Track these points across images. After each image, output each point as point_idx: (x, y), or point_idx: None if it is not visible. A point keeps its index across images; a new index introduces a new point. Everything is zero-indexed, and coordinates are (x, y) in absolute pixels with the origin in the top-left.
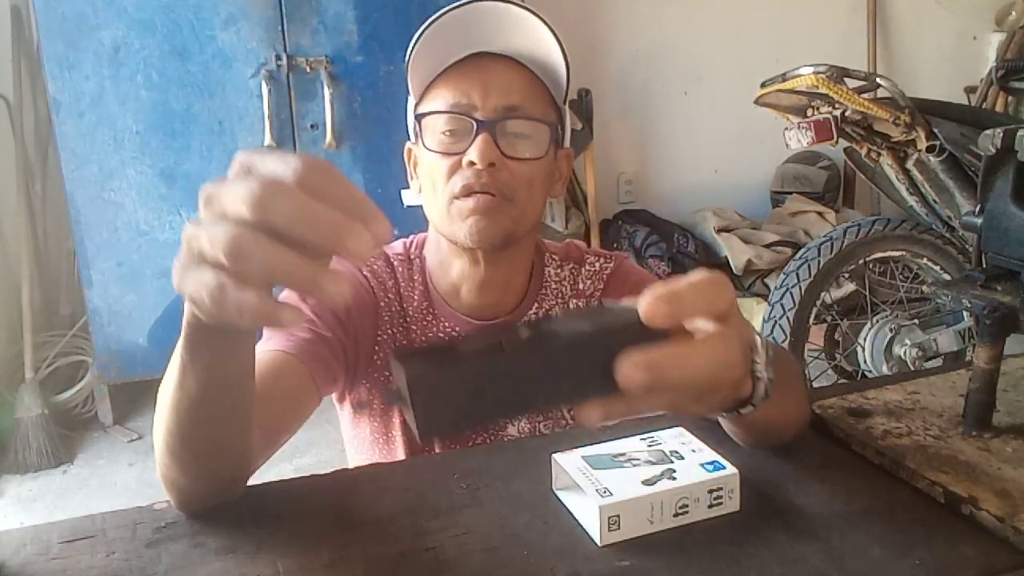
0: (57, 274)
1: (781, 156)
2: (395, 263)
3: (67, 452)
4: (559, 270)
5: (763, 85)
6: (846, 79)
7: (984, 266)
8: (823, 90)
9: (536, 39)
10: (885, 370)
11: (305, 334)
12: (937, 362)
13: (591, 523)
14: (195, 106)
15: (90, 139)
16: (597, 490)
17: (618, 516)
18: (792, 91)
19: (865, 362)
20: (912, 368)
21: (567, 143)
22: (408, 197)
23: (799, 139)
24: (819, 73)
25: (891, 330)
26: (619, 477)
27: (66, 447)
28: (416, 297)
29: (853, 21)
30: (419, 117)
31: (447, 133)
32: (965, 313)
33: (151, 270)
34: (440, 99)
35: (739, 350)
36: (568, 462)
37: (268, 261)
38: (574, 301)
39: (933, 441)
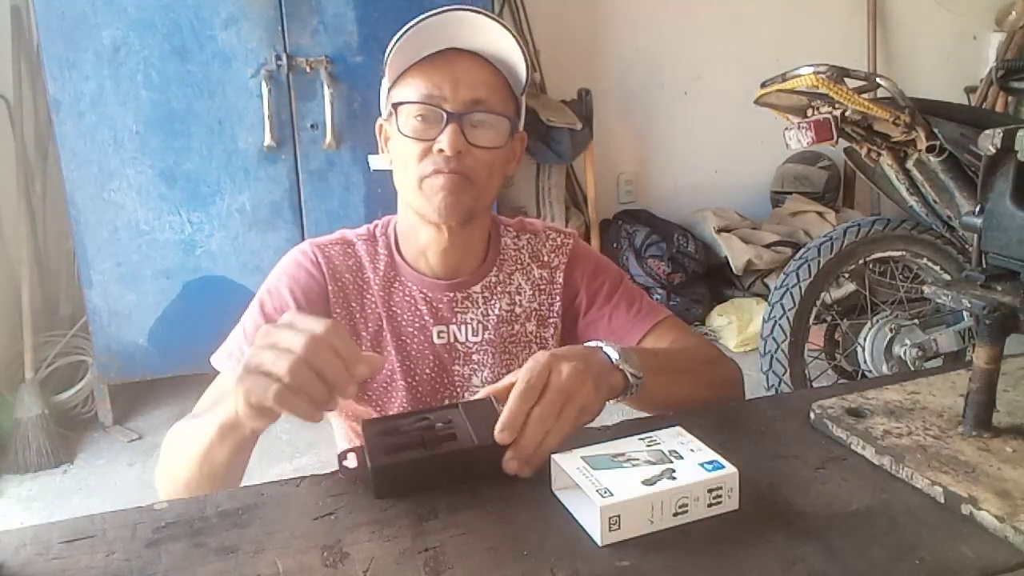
0: (57, 274)
1: (781, 156)
2: (357, 243)
3: (67, 452)
4: (516, 240)
5: (763, 85)
6: (846, 79)
7: (984, 266)
8: (823, 90)
9: (500, 41)
10: (885, 370)
11: None
12: (937, 362)
13: (591, 523)
14: (195, 106)
15: (90, 139)
16: (598, 490)
17: (619, 516)
18: (792, 91)
19: (865, 362)
20: (912, 368)
21: (521, 127)
22: (374, 162)
23: (799, 139)
24: (819, 73)
25: (891, 330)
26: (619, 477)
27: (66, 447)
28: (383, 267)
29: (853, 21)
30: (396, 105)
31: (419, 119)
32: (965, 313)
33: (151, 270)
34: (414, 88)
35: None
36: (568, 463)
37: (307, 381)
38: (537, 270)
39: (933, 441)
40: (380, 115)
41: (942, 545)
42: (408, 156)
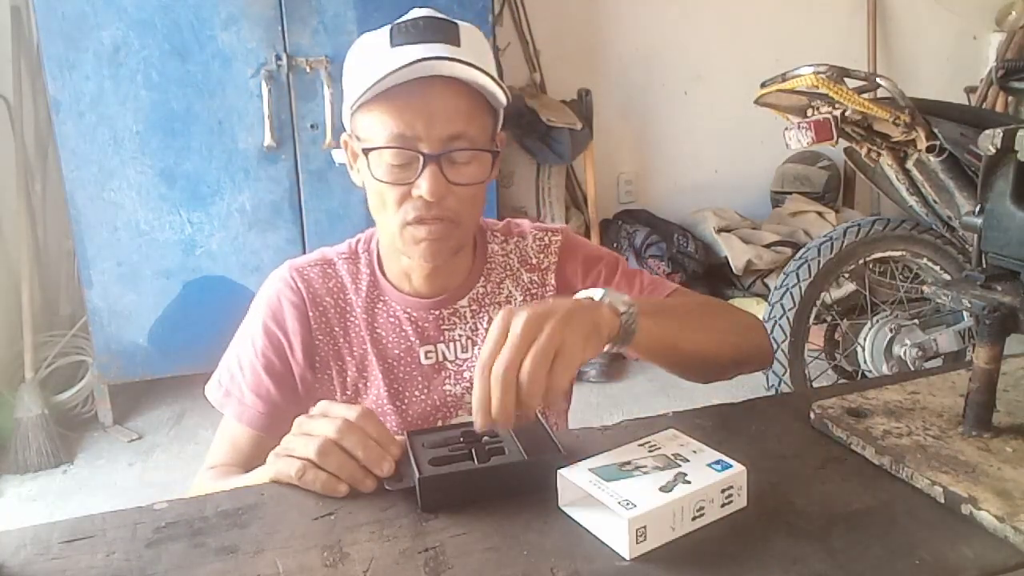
0: (57, 274)
1: (781, 156)
2: (338, 262)
3: (67, 452)
4: (504, 245)
5: (763, 85)
6: (846, 79)
7: (984, 266)
8: (823, 90)
9: (474, 77)
10: (885, 370)
11: (263, 408)
12: (937, 362)
13: (616, 537)
14: (195, 106)
15: (90, 139)
16: (619, 503)
17: (645, 527)
18: (792, 91)
19: (865, 362)
20: (912, 368)
21: (499, 128)
22: (338, 156)
23: (799, 139)
24: (819, 73)
25: (891, 330)
26: (634, 487)
27: (66, 447)
28: (365, 287)
29: (853, 21)
30: (366, 151)
31: (393, 161)
32: (965, 313)
33: (151, 270)
34: (383, 126)
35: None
36: (577, 476)
37: (338, 461)
38: (527, 275)
39: (933, 441)
40: (345, 128)
41: (942, 545)
42: (387, 201)
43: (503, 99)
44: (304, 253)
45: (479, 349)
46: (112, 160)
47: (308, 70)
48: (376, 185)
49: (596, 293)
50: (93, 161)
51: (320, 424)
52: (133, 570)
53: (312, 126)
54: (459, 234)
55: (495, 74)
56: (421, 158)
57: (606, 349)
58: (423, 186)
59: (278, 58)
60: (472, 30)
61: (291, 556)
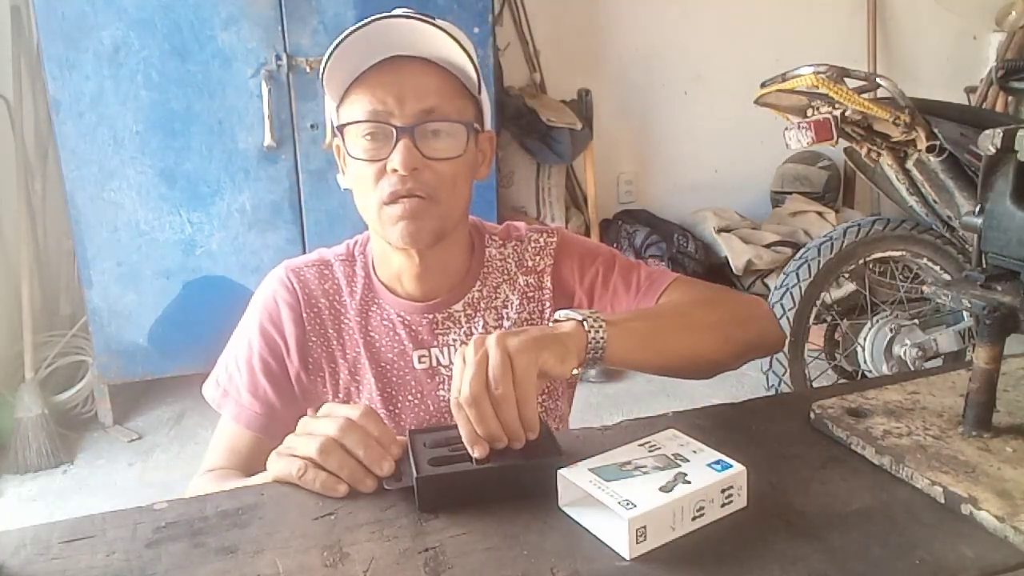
0: (57, 274)
1: (781, 156)
2: (335, 264)
3: (67, 452)
4: (502, 249)
5: (763, 85)
6: (846, 79)
7: (984, 266)
8: (823, 90)
9: (444, 43)
10: (885, 370)
11: (260, 409)
12: (937, 362)
13: (616, 537)
14: (195, 106)
15: (90, 139)
16: (620, 503)
17: (645, 527)
18: (792, 91)
19: (865, 362)
20: (912, 368)
21: (487, 125)
22: (343, 181)
23: (799, 139)
24: (819, 73)
25: (891, 330)
26: (635, 487)
27: (66, 447)
28: (359, 290)
29: (853, 21)
30: (340, 128)
31: (368, 138)
32: (965, 313)
33: (151, 270)
34: (358, 106)
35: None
36: (577, 476)
37: (339, 460)
38: (523, 278)
39: (933, 441)
40: (336, 135)
41: (942, 545)
42: (363, 180)
43: (475, 77)
44: (304, 253)
45: None
46: (112, 160)
47: (308, 70)
48: (355, 167)
49: (559, 314)
50: (93, 161)
51: (323, 423)
52: (133, 570)
53: (312, 126)
54: (438, 214)
55: (468, 47)
56: (394, 132)
57: (577, 370)
58: (396, 159)
59: (278, 58)
60: (449, 24)
61: (291, 556)
